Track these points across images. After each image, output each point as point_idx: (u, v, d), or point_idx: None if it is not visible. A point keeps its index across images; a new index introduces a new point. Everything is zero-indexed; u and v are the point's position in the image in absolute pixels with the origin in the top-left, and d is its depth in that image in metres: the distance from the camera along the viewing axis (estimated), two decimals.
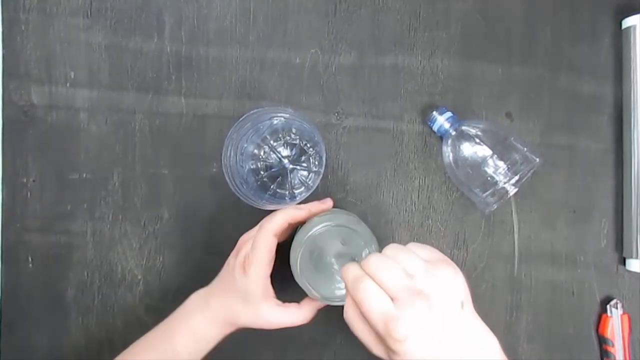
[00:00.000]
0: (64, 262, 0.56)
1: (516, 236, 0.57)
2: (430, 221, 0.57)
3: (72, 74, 0.56)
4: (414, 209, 0.57)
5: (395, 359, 0.37)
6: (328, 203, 0.50)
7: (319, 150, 0.48)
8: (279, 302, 0.47)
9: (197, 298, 0.49)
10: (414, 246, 0.39)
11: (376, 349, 0.38)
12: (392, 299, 0.36)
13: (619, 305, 0.56)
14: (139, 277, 0.57)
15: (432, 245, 0.40)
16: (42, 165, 0.56)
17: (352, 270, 0.39)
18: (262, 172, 0.54)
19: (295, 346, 0.56)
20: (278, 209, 0.47)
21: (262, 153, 0.54)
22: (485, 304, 0.57)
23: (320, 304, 0.48)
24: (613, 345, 0.55)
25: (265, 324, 0.47)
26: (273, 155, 0.53)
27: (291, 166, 0.54)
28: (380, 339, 0.37)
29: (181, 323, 0.48)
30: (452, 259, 0.56)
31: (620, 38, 0.57)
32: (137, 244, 0.57)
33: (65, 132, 0.56)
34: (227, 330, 0.48)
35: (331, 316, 0.57)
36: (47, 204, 0.56)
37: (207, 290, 0.50)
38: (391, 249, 0.39)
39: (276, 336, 0.56)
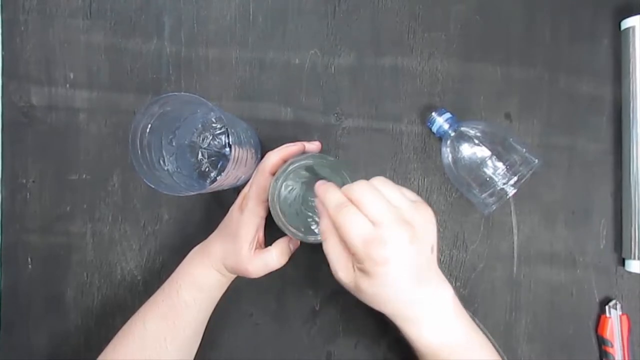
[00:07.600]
0: (63, 263, 0.56)
1: (515, 237, 0.57)
2: None
3: (72, 75, 0.57)
4: None
5: (362, 285, 0.37)
6: (316, 143, 0.50)
7: (239, 129, 0.47)
8: (261, 250, 0.47)
9: (197, 248, 0.51)
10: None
11: (342, 273, 0.38)
12: (373, 224, 0.36)
13: (618, 306, 0.56)
14: (139, 277, 0.57)
15: None
16: (42, 166, 0.56)
17: (334, 194, 0.38)
18: (204, 161, 0.54)
19: (295, 346, 0.56)
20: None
21: (199, 152, 0.54)
22: (485, 305, 0.57)
23: (295, 243, 0.48)
24: (612, 346, 0.55)
25: (244, 272, 0.47)
26: (214, 142, 0.54)
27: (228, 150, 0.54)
28: (354, 262, 0.37)
29: (184, 274, 0.49)
30: (452, 260, 0.57)
31: (620, 39, 0.57)
32: (136, 245, 0.57)
33: (65, 133, 0.56)
34: (227, 274, 0.49)
35: (332, 316, 0.57)
36: (46, 204, 0.56)
37: (207, 240, 0.51)
38: (378, 180, 0.39)
39: (276, 336, 0.56)
